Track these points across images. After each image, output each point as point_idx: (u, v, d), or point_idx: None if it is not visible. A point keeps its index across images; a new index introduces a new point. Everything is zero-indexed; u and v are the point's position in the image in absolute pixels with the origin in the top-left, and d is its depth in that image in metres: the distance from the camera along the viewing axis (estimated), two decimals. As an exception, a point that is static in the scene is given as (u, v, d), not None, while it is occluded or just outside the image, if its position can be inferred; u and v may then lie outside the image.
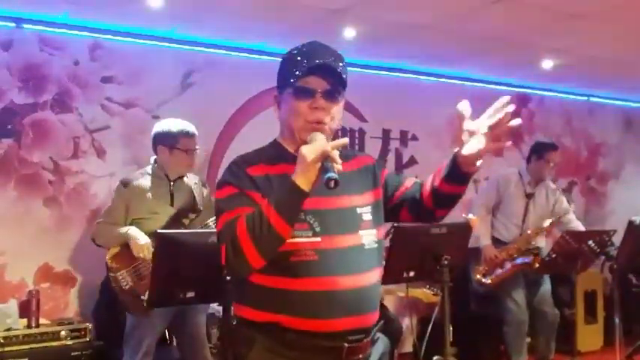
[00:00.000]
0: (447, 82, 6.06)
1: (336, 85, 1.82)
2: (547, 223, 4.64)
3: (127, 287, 3.34)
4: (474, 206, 4.89)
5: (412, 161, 5.95)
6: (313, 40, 1.90)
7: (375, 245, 1.87)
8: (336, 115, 1.83)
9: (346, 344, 1.77)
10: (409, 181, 1.99)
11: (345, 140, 1.74)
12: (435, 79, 6.00)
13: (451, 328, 3.56)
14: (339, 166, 1.63)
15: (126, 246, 3.40)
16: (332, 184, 1.61)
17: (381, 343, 3.78)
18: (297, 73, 1.79)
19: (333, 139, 1.79)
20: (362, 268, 1.80)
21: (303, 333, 1.74)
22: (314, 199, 1.69)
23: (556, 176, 4.88)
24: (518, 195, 4.77)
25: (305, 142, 1.73)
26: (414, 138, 5.96)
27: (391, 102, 5.60)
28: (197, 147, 3.58)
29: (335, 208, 1.79)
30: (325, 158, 1.63)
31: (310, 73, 1.79)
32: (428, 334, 3.84)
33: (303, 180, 1.64)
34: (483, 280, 4.63)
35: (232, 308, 1.88)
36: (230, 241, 1.68)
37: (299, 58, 1.82)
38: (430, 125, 6.00)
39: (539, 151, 4.83)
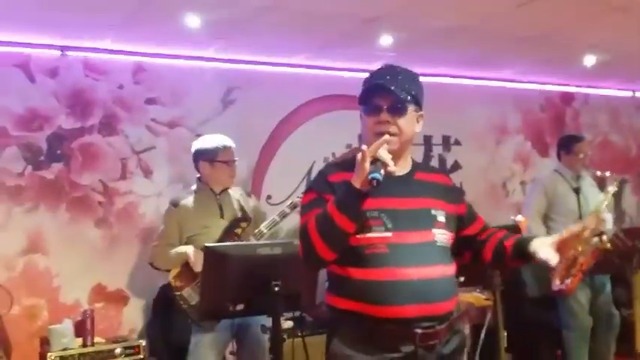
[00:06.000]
0: (487, 84, 6.00)
1: (398, 100, 2.02)
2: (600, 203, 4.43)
3: (194, 303, 3.40)
4: (523, 208, 4.79)
5: (456, 166, 5.89)
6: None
7: (447, 244, 2.08)
8: (404, 126, 2.04)
9: (419, 330, 1.94)
10: (479, 224, 2.25)
11: (385, 138, 1.91)
12: (475, 81, 5.94)
13: (505, 334, 3.49)
14: (391, 167, 1.84)
15: (186, 264, 3.47)
16: (374, 183, 1.79)
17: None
18: (365, 93, 2.07)
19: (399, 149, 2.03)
20: (432, 261, 1.99)
21: (377, 319, 1.94)
22: (388, 199, 1.98)
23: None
24: (566, 192, 4.64)
25: None
26: (457, 143, 5.90)
27: (431, 107, 5.49)
28: (236, 158, 3.68)
29: (408, 208, 2.03)
30: (373, 160, 1.82)
31: (373, 92, 2.04)
32: (481, 340, 3.78)
33: (357, 180, 1.85)
34: (563, 285, 4.39)
35: (325, 297, 2.14)
36: (304, 237, 1.95)
37: (369, 81, 2.09)
38: (472, 129, 5.94)
39: (567, 145, 4.71)
